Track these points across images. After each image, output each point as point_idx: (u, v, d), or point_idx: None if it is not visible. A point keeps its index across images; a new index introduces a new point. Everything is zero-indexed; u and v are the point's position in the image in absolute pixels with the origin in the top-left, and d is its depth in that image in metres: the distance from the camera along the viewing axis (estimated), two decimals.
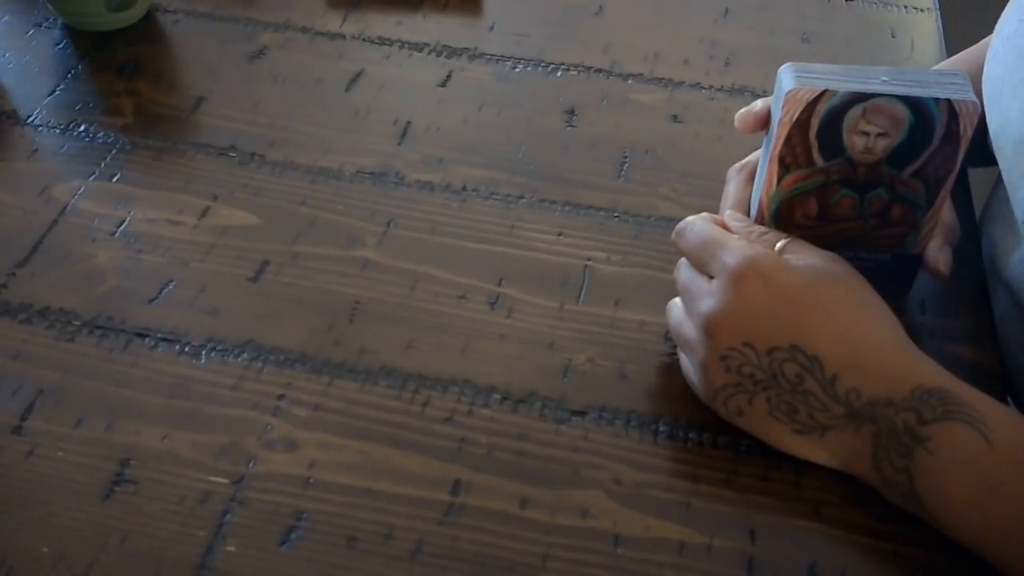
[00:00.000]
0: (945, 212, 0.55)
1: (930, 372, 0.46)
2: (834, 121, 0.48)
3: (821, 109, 0.47)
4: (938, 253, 0.53)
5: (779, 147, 0.49)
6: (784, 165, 0.49)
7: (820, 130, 0.48)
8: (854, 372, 0.46)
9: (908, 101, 0.47)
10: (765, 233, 0.50)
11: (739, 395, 0.48)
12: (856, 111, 0.47)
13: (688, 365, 0.50)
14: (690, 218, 0.52)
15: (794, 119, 0.48)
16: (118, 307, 0.55)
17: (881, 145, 0.48)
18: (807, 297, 0.47)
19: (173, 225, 0.59)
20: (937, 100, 0.47)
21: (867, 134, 0.48)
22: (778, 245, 0.49)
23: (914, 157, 0.49)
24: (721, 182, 0.58)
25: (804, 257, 0.48)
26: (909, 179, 0.50)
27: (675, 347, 0.54)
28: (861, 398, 0.45)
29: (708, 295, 0.48)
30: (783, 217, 0.51)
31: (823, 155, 0.49)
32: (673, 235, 0.52)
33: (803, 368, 0.46)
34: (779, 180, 0.50)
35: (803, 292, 0.47)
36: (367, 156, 0.64)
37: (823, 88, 0.47)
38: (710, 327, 0.47)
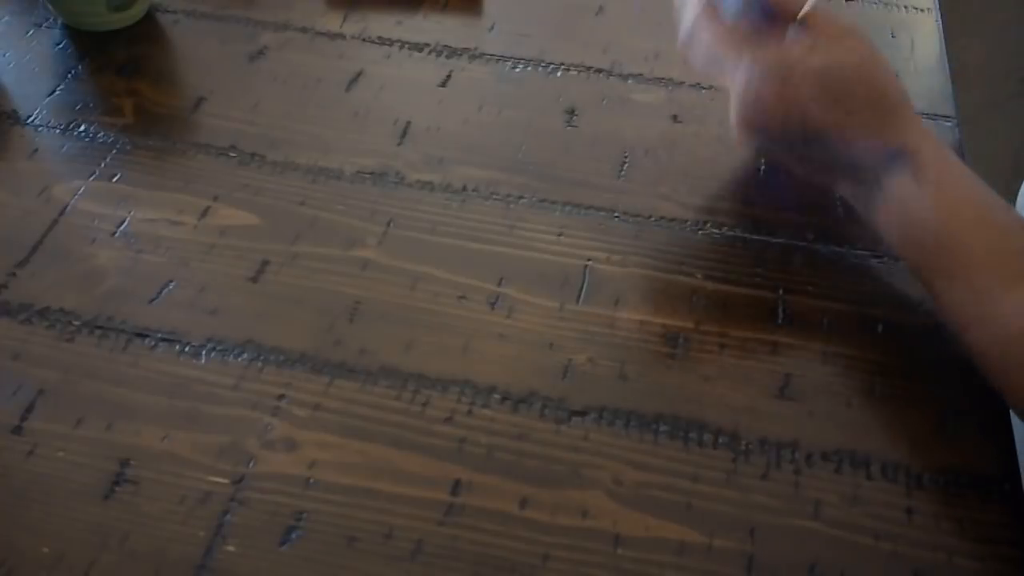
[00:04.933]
0: None
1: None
2: None
3: None
4: None
5: None
6: None
7: None
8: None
9: None
10: None
11: None
12: None
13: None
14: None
15: None
16: (118, 307, 0.55)
17: None
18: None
19: (173, 225, 0.59)
20: None
21: None
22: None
23: None
24: (721, 181, 0.58)
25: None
26: None
27: (675, 347, 0.54)
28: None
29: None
30: None
31: None
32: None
33: None
34: None
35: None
36: (367, 156, 0.64)
37: None
38: None
